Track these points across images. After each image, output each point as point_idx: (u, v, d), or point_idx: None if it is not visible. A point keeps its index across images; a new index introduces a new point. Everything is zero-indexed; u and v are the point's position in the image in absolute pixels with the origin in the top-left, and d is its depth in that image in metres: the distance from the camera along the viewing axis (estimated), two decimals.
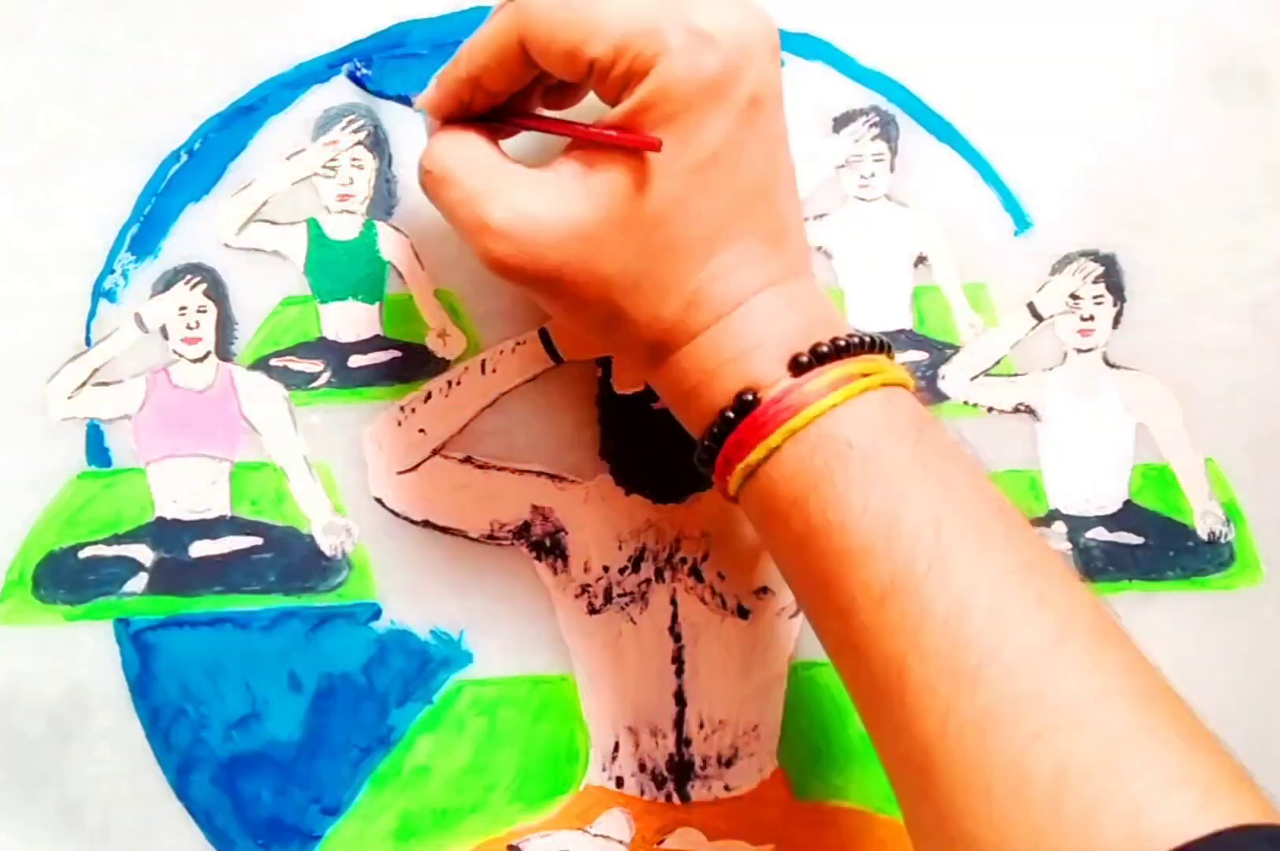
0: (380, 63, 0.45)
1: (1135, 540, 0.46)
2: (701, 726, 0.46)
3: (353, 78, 0.45)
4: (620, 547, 0.46)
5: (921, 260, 0.46)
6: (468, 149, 0.37)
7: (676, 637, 0.46)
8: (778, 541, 0.36)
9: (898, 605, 0.32)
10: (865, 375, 0.34)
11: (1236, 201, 0.46)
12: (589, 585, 0.46)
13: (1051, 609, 0.32)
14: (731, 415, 0.35)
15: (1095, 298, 0.46)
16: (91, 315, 0.46)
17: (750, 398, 0.34)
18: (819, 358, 0.35)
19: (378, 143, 0.46)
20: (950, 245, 0.46)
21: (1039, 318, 0.46)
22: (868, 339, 0.36)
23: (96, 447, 0.45)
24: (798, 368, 0.34)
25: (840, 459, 0.33)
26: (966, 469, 0.35)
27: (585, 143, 0.36)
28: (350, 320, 0.46)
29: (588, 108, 0.40)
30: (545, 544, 0.46)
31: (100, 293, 0.46)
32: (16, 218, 0.45)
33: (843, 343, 0.35)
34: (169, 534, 0.45)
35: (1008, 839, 0.30)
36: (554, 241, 0.34)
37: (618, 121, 0.34)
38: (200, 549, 0.45)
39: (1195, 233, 0.46)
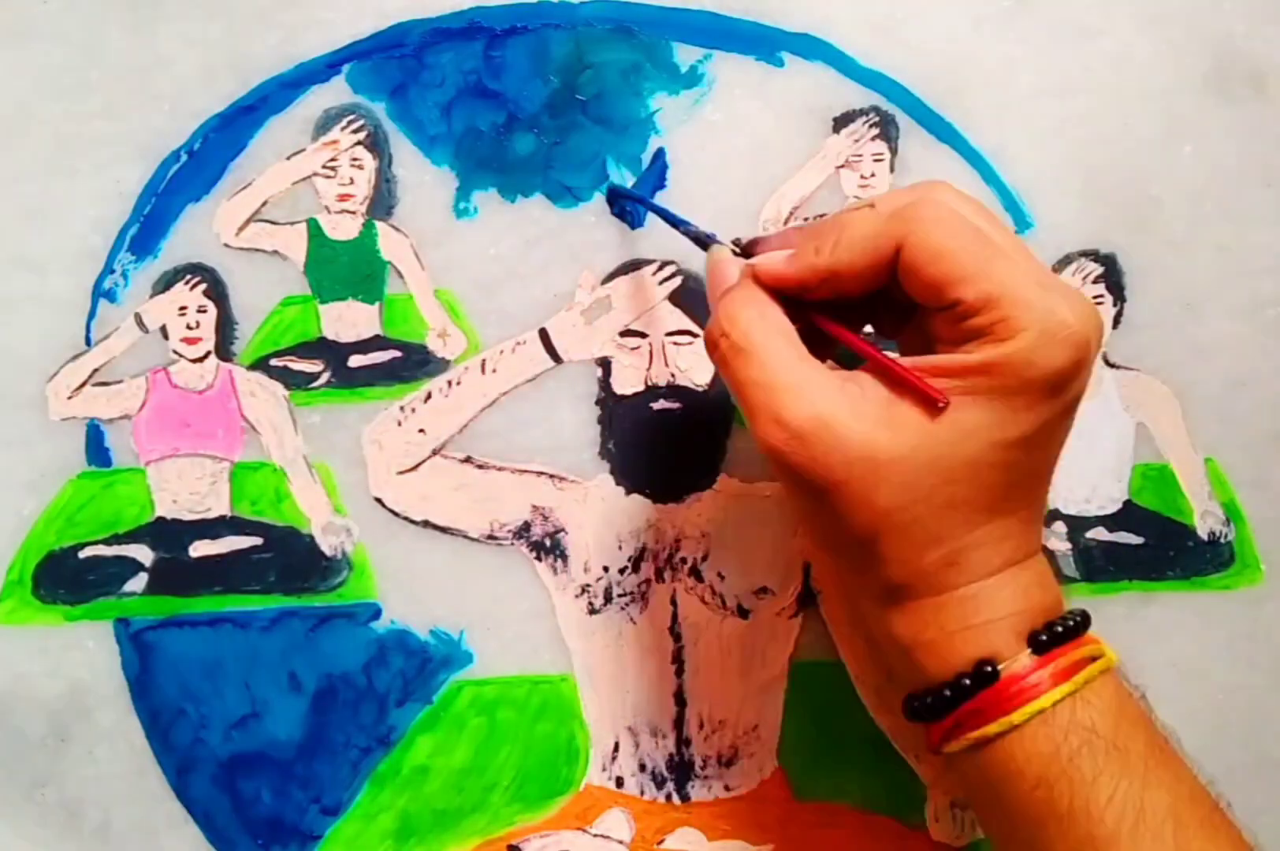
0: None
1: (1135, 540, 0.46)
2: (701, 726, 0.46)
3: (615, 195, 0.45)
4: (620, 547, 0.46)
5: None
6: (779, 331, 0.36)
7: (676, 637, 0.46)
8: (1008, 815, 0.35)
9: None
10: (1093, 657, 0.35)
11: (1236, 201, 0.46)
12: (589, 585, 0.46)
13: None
14: (969, 682, 0.35)
15: (1095, 298, 0.46)
16: (91, 315, 0.46)
17: (990, 669, 0.34)
18: (1054, 637, 0.35)
19: (377, 143, 0.46)
20: None
21: None
22: (1083, 616, 0.36)
23: (96, 447, 0.45)
24: (1037, 646, 0.35)
25: (1090, 746, 0.34)
26: (1183, 760, 0.36)
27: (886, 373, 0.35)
28: (350, 320, 0.46)
29: None
30: (545, 544, 0.46)
31: (100, 293, 0.46)
32: (16, 218, 0.45)
33: (1071, 622, 0.36)
34: (169, 534, 0.45)
35: None
36: (845, 459, 0.34)
37: (952, 371, 0.34)
38: (200, 549, 0.45)
39: (1195, 233, 0.46)
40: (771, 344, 0.36)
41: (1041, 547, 0.37)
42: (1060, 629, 0.35)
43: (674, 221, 0.43)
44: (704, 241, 0.40)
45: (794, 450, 0.34)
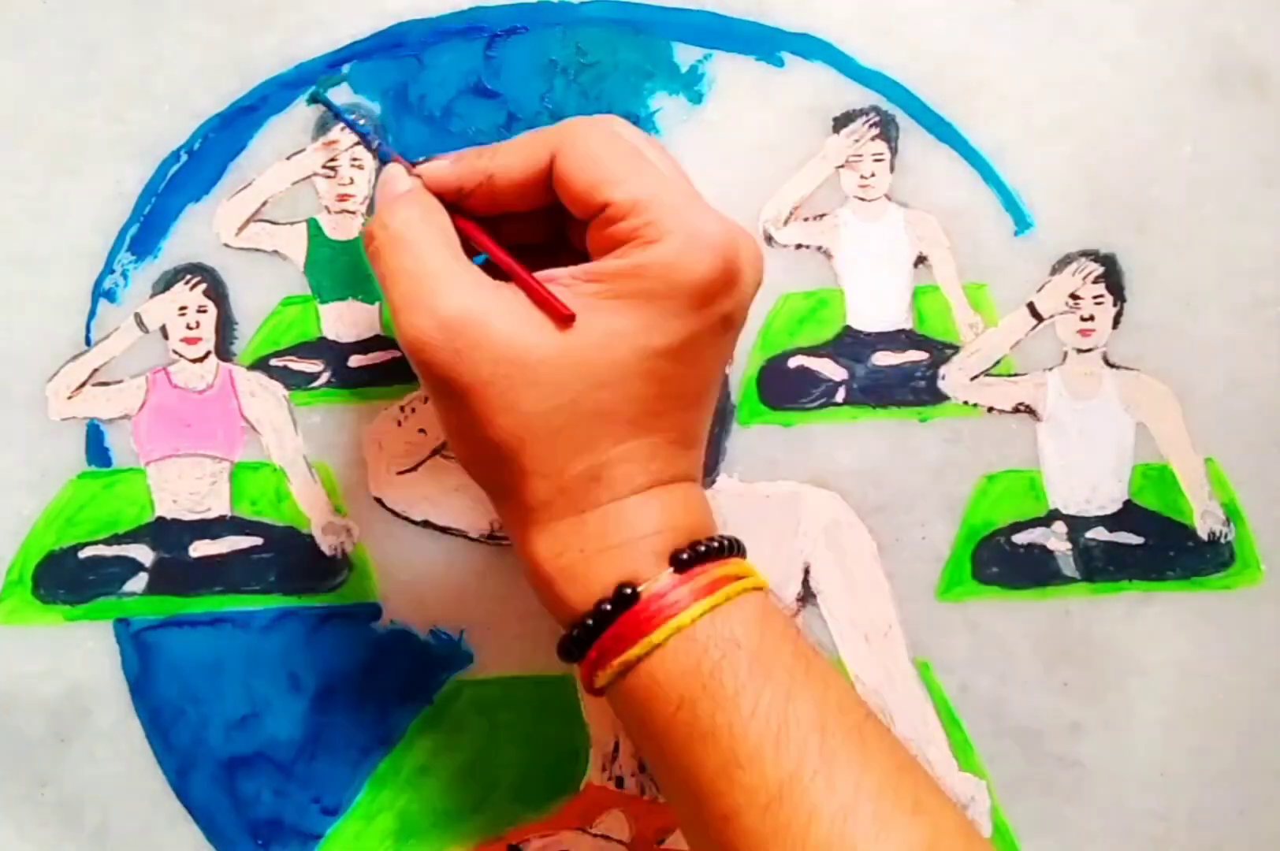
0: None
1: (1135, 540, 0.46)
2: None
3: (318, 99, 0.45)
4: None
5: (921, 260, 0.46)
6: (436, 227, 0.36)
7: None
8: (654, 740, 0.34)
9: (785, 811, 0.32)
10: (738, 576, 0.35)
11: (1236, 201, 0.46)
12: None
13: (927, 814, 0.32)
14: (609, 607, 0.34)
15: (1095, 298, 0.46)
16: (91, 315, 0.46)
17: (630, 591, 0.34)
18: (697, 556, 0.35)
19: None
20: (950, 245, 0.46)
21: (1039, 318, 0.46)
22: (733, 542, 0.36)
23: (96, 448, 0.45)
24: (678, 564, 0.34)
25: (729, 660, 0.33)
26: (835, 672, 0.35)
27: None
28: (350, 320, 0.46)
29: None
30: None
31: (100, 293, 0.46)
32: (16, 218, 0.45)
33: (717, 544, 0.35)
34: (169, 534, 0.45)
35: None
36: (491, 355, 0.34)
37: (604, 277, 0.34)
38: (200, 549, 0.45)
39: (1195, 233, 0.46)
40: (429, 239, 0.36)
41: (697, 480, 0.37)
42: (704, 548, 0.35)
43: (362, 136, 0.44)
44: (383, 156, 0.41)
45: (440, 344, 0.34)
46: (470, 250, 0.37)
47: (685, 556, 0.34)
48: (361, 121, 0.45)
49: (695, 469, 0.37)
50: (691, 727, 0.33)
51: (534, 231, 0.39)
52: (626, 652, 0.34)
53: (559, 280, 0.35)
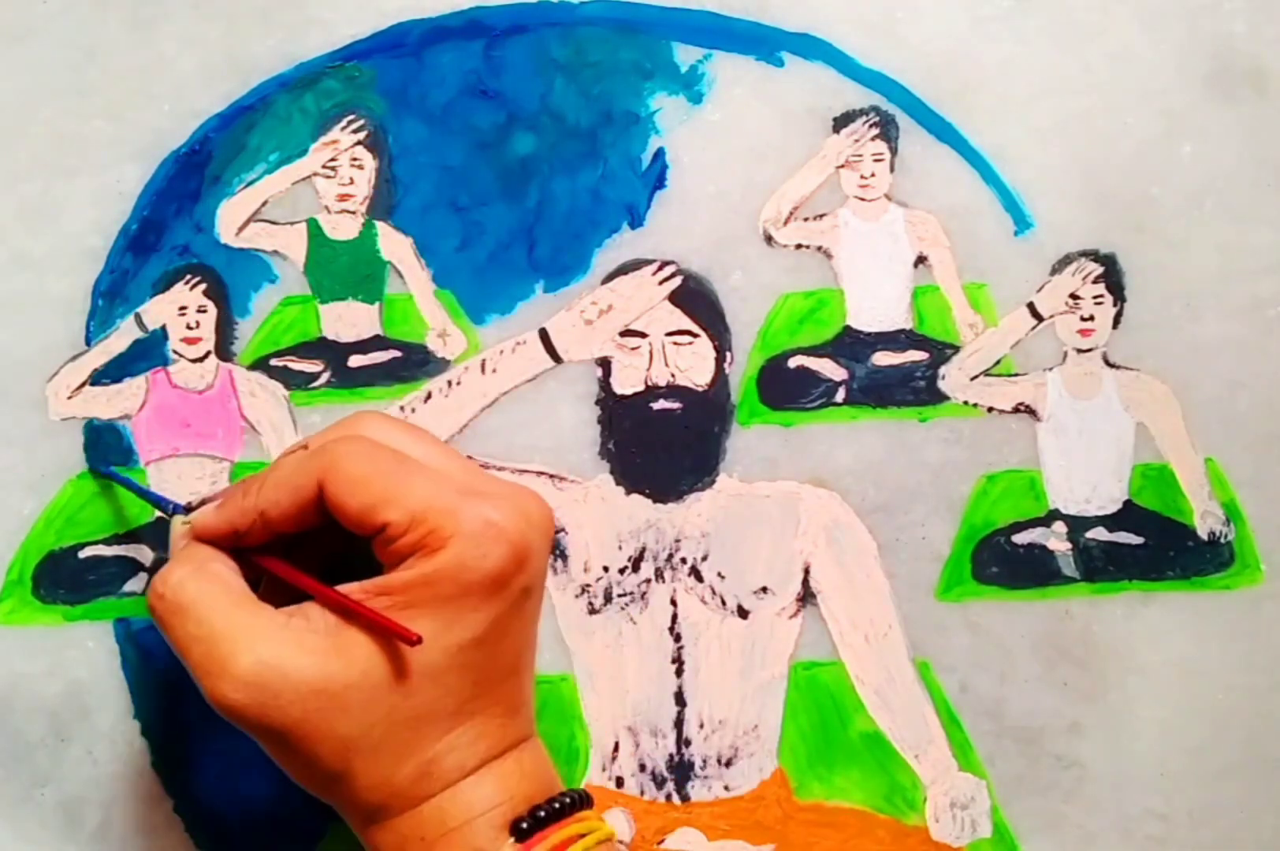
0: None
1: (1135, 540, 0.46)
2: (701, 726, 0.46)
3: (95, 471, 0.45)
4: (620, 547, 0.46)
5: (921, 260, 0.46)
6: (214, 581, 0.36)
7: (676, 637, 0.46)
8: None
9: None
10: (581, 835, 0.35)
11: (1236, 201, 0.46)
12: (589, 585, 0.46)
13: None
14: None
15: (1095, 298, 0.46)
16: (91, 315, 0.46)
17: None
18: (537, 822, 0.35)
19: (378, 143, 0.46)
20: (950, 245, 0.46)
21: (1039, 318, 0.46)
22: (578, 795, 0.36)
23: (96, 448, 0.45)
24: (519, 834, 0.35)
25: None
26: None
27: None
28: (350, 320, 0.46)
29: None
30: None
31: (100, 293, 0.46)
32: (16, 218, 0.46)
33: (558, 805, 0.36)
34: (169, 534, 0.45)
35: None
36: (298, 696, 0.34)
37: (393, 590, 0.34)
38: None
39: (1195, 233, 0.46)
40: (205, 596, 0.36)
41: (532, 735, 0.38)
42: (544, 812, 0.35)
43: (142, 494, 0.43)
44: (167, 512, 0.41)
45: (244, 702, 0.34)
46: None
47: (525, 825, 0.35)
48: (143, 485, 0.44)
49: (527, 728, 0.38)
50: None
51: (331, 538, 0.38)
52: None
53: (351, 595, 0.35)
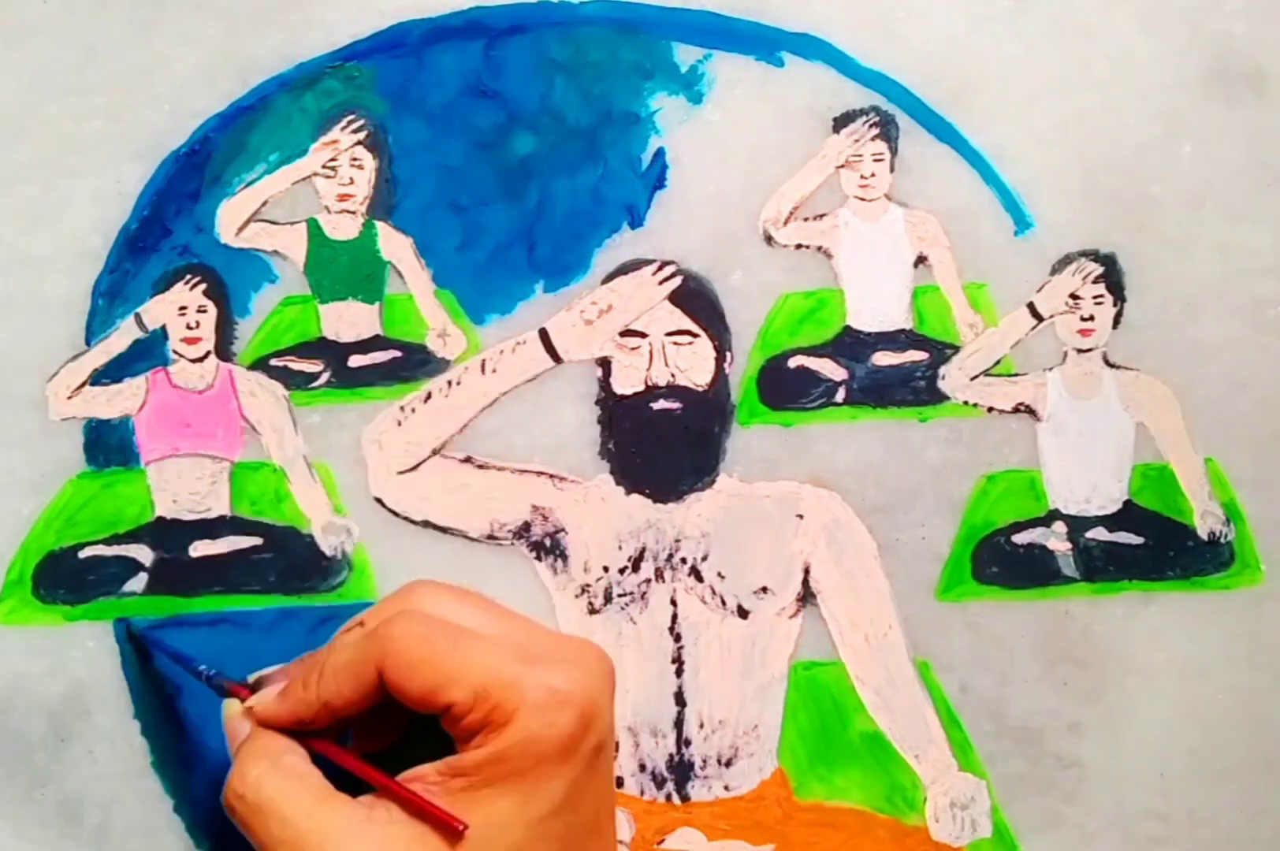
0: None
1: (1135, 540, 0.46)
2: (701, 726, 0.46)
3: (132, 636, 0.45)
4: (620, 547, 0.46)
5: (921, 260, 0.46)
6: (292, 778, 0.35)
7: (676, 638, 0.46)
8: None
9: None
10: None
11: (1236, 201, 0.46)
12: (589, 585, 0.46)
13: None
14: None
15: (1095, 298, 0.46)
16: (91, 315, 0.46)
17: None
18: None
19: (378, 143, 0.46)
20: (950, 245, 0.46)
21: (1039, 318, 0.46)
22: None
23: (96, 448, 0.45)
24: None
25: None
26: None
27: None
28: (350, 320, 0.46)
29: None
30: (545, 544, 0.46)
31: (100, 293, 0.46)
32: (16, 218, 0.45)
33: None
34: (169, 534, 0.45)
35: None
36: None
37: (467, 770, 0.34)
38: (200, 549, 0.45)
39: (1195, 233, 0.46)
40: (286, 795, 0.35)
41: None
42: None
43: (182, 661, 0.42)
44: (216, 686, 0.40)
45: None
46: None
47: None
48: (191, 661, 0.42)
49: None
50: None
51: (396, 720, 0.37)
52: None
53: (427, 779, 0.35)
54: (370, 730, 0.38)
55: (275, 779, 0.35)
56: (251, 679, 0.39)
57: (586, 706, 0.35)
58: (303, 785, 0.35)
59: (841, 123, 0.46)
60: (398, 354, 0.46)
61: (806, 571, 0.46)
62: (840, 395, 0.46)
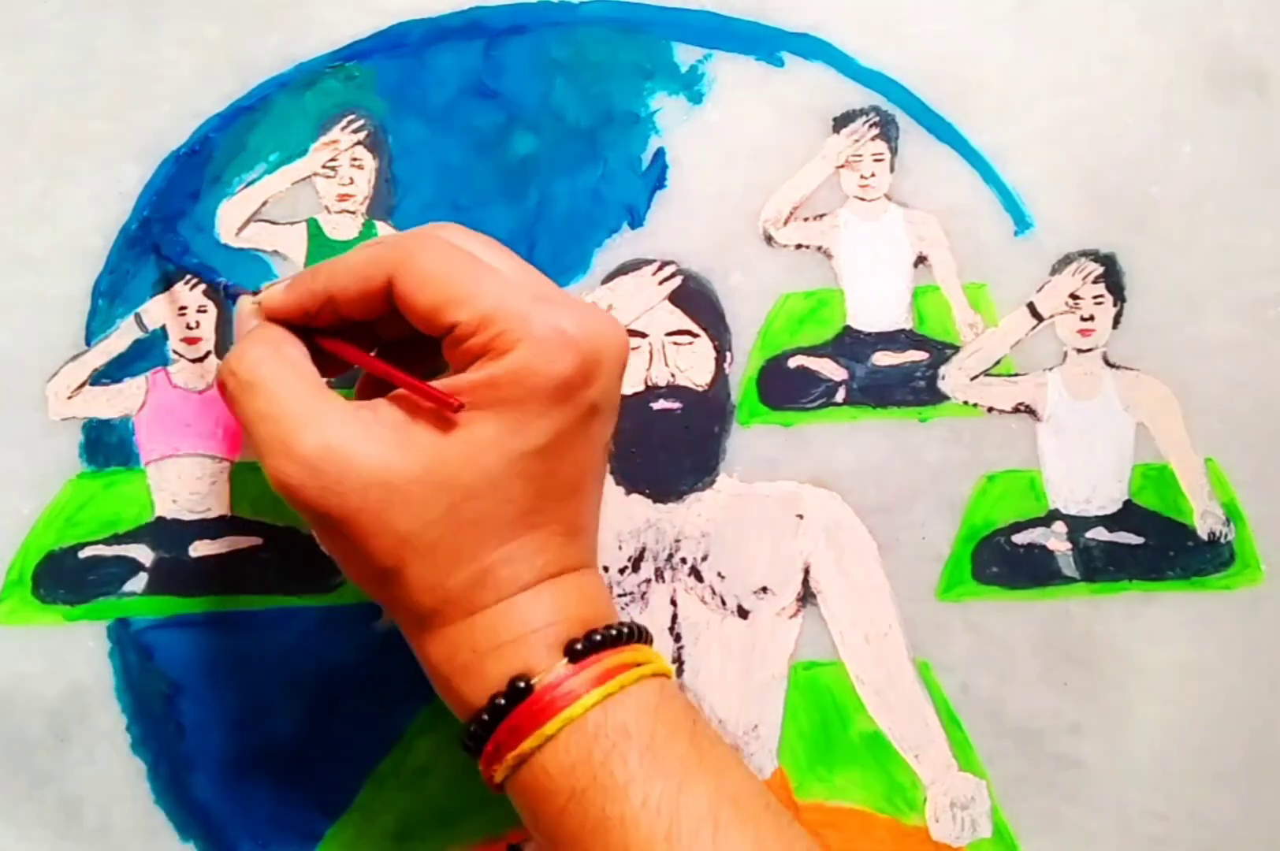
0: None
1: (1135, 540, 0.46)
2: None
3: (156, 251, 0.45)
4: (620, 547, 0.46)
5: (921, 260, 0.46)
6: (285, 363, 0.36)
7: (676, 638, 0.46)
8: (548, 834, 0.34)
9: None
10: (637, 664, 0.35)
11: (1236, 201, 0.46)
12: None
13: None
14: (503, 701, 0.34)
15: (1095, 298, 0.46)
16: (91, 315, 0.46)
17: (524, 684, 0.34)
18: (592, 645, 0.35)
19: (378, 143, 0.46)
20: (950, 245, 0.46)
21: (1039, 318, 0.46)
22: (636, 628, 0.36)
23: (96, 447, 0.45)
24: (572, 655, 0.34)
25: (619, 750, 0.33)
26: (736, 759, 0.35)
27: (405, 392, 0.35)
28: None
29: None
30: None
31: (100, 293, 0.46)
32: (16, 218, 0.45)
33: (614, 632, 0.35)
34: (169, 534, 0.45)
35: None
36: (359, 485, 0.34)
37: (459, 390, 0.34)
38: (200, 549, 0.45)
39: (1195, 233, 0.46)
40: (280, 377, 0.35)
41: (592, 566, 0.37)
42: (600, 637, 0.35)
43: (204, 276, 0.44)
44: (232, 294, 0.40)
45: (303, 482, 0.34)
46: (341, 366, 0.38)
47: (579, 646, 0.34)
48: (195, 261, 0.44)
49: (588, 556, 0.38)
50: (583, 820, 0.33)
51: (400, 326, 0.37)
52: (520, 745, 0.34)
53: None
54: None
55: (272, 362, 0.36)
56: (265, 286, 0.39)
57: (590, 356, 0.35)
58: (295, 372, 0.36)
59: (841, 123, 0.46)
60: None
61: (806, 571, 0.46)
62: (840, 395, 0.46)
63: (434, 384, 0.35)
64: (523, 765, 0.34)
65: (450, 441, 0.34)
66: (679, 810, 0.32)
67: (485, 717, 0.34)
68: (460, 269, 0.35)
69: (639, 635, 0.36)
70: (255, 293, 0.39)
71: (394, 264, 0.35)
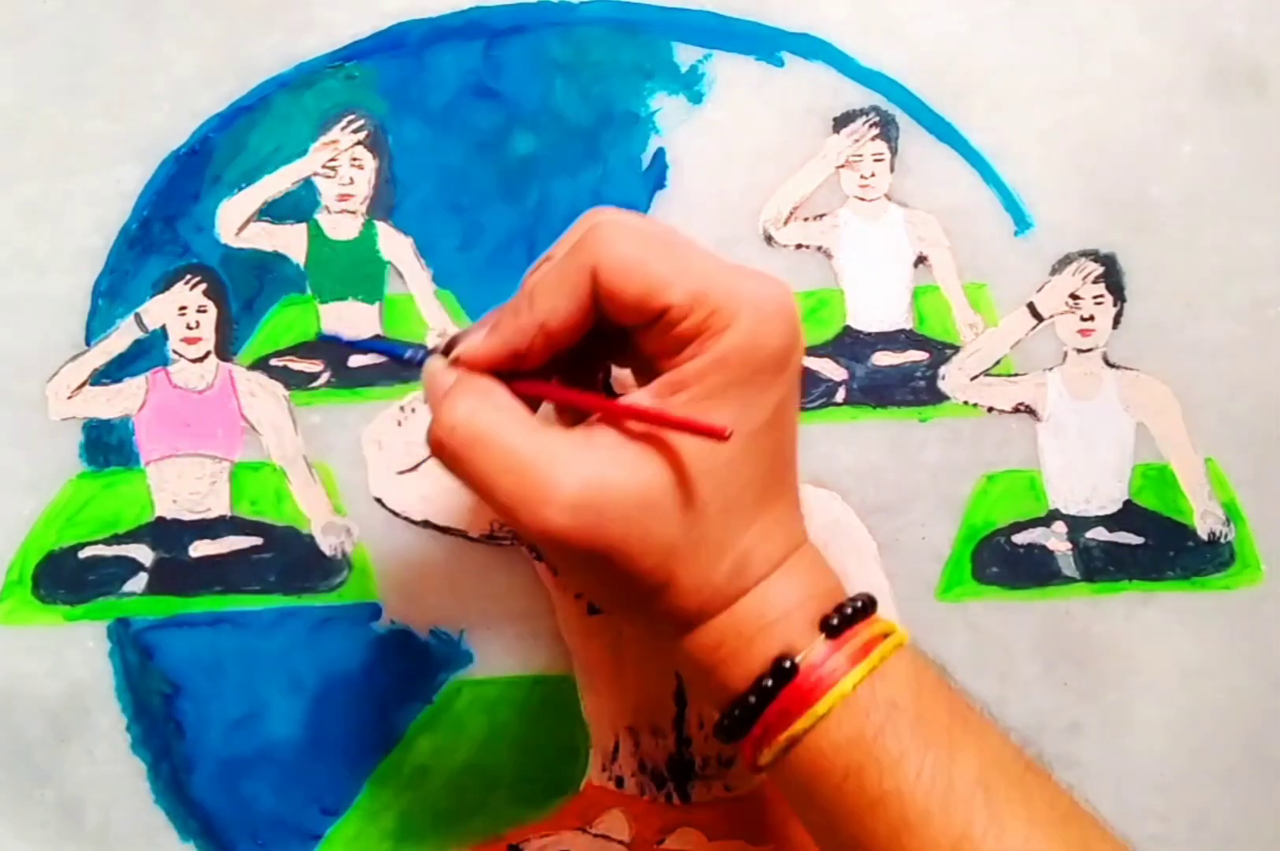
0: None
1: (1135, 540, 0.46)
2: (701, 726, 0.45)
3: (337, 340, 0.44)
4: None
5: (921, 260, 0.46)
6: (502, 410, 0.34)
7: None
8: (823, 812, 0.34)
9: None
10: (885, 634, 0.34)
11: (1236, 201, 0.46)
12: None
13: None
14: (770, 682, 0.33)
15: (1095, 298, 0.46)
16: (91, 315, 0.46)
17: (789, 664, 0.33)
18: (845, 620, 0.34)
19: (378, 143, 0.46)
20: (950, 245, 0.46)
21: (1039, 318, 0.46)
22: (869, 599, 0.35)
23: (96, 447, 0.45)
24: (829, 630, 0.34)
25: (892, 723, 0.33)
26: (991, 722, 0.35)
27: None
28: (350, 320, 0.46)
29: None
30: None
31: (100, 293, 0.46)
32: (16, 218, 0.45)
33: (860, 604, 0.35)
34: (169, 534, 0.45)
35: None
36: (624, 511, 0.32)
37: (688, 381, 0.33)
38: (200, 549, 0.45)
39: (1195, 233, 0.46)
40: (504, 425, 0.33)
41: (807, 534, 0.37)
42: (850, 610, 0.34)
43: (388, 352, 0.40)
44: (418, 360, 0.37)
45: (570, 526, 0.32)
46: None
47: (835, 621, 0.34)
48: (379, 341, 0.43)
49: (804, 528, 0.37)
50: (860, 796, 0.33)
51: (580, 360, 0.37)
52: (792, 726, 0.33)
53: (641, 403, 0.33)
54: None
55: (489, 411, 0.33)
56: (440, 340, 0.37)
57: (795, 322, 0.34)
58: (517, 418, 0.34)
59: (841, 123, 0.46)
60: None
61: None
62: (840, 395, 0.46)
63: (656, 385, 0.33)
64: (795, 746, 0.33)
65: (688, 439, 0.33)
66: (952, 779, 0.32)
67: (752, 700, 0.34)
68: (659, 250, 0.33)
69: (873, 602, 0.36)
70: (434, 351, 0.36)
71: (593, 260, 0.33)
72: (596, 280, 0.33)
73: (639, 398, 0.34)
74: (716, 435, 0.32)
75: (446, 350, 0.36)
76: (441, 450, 0.33)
